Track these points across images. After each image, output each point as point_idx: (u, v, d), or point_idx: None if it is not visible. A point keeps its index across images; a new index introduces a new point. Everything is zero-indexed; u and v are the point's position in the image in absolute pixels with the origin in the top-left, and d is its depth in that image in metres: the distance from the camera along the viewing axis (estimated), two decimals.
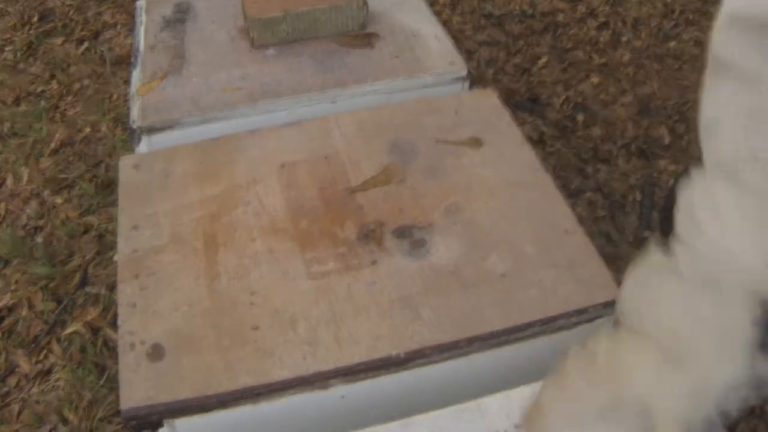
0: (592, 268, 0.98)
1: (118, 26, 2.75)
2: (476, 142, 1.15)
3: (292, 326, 0.91)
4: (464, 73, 1.35)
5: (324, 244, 1.01)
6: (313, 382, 0.87)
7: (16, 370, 1.68)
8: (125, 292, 0.96)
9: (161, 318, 0.93)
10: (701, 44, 2.56)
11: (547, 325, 0.92)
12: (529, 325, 0.92)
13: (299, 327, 0.91)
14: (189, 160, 1.15)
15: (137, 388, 0.86)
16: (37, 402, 1.61)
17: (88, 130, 2.31)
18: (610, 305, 0.94)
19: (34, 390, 1.64)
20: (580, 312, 0.93)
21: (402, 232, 1.02)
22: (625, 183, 2.07)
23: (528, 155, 1.16)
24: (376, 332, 0.90)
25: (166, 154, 1.17)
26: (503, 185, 1.09)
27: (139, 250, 1.01)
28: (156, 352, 0.89)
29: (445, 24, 2.61)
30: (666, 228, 1.98)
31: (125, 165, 1.15)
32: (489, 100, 1.26)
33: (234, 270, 0.99)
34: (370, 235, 1.02)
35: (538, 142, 2.20)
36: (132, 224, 1.05)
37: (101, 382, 1.62)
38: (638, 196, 2.04)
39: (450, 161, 1.13)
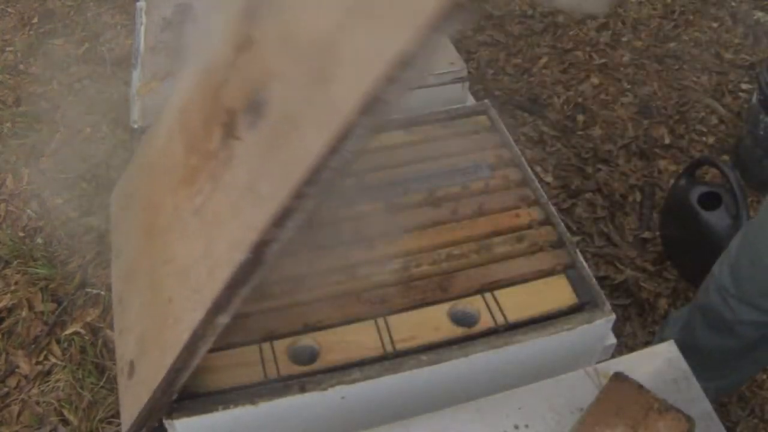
0: None
1: (118, 27, 2.75)
2: None
3: (187, 279, 0.87)
4: (464, 73, 1.35)
5: (202, 170, 0.92)
6: (205, 329, 0.82)
7: (16, 370, 1.68)
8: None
9: (131, 332, 0.93)
10: (701, 44, 2.56)
11: None
12: None
13: (191, 277, 0.86)
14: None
15: (125, 408, 0.86)
16: (37, 403, 1.61)
17: (88, 130, 2.31)
18: None
19: (34, 391, 1.64)
20: None
21: (251, 107, 0.87)
22: (625, 183, 2.07)
23: None
24: (233, 238, 0.81)
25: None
26: None
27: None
28: (131, 369, 0.89)
29: None
30: (666, 228, 1.98)
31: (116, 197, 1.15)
32: None
33: (159, 250, 0.95)
34: (228, 131, 0.89)
35: (538, 142, 2.20)
36: None
37: (101, 383, 1.62)
38: (638, 196, 2.04)
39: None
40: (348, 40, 0.77)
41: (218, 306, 0.80)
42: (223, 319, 0.81)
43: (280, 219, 0.77)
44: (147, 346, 0.88)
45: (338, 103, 0.74)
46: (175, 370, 0.82)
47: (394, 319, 0.97)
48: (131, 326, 0.92)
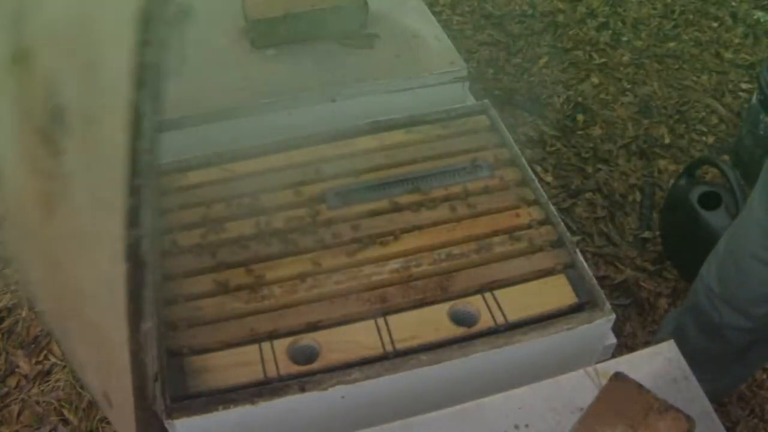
0: None
1: None
2: None
3: (99, 302, 0.84)
4: (464, 73, 1.35)
5: (52, 193, 0.84)
6: (136, 341, 0.80)
7: (16, 370, 1.68)
8: None
9: (88, 365, 0.92)
10: (701, 44, 2.56)
11: None
12: None
13: (100, 298, 0.83)
14: None
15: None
16: (37, 402, 1.61)
17: None
18: None
19: (34, 390, 1.64)
20: None
21: (55, 117, 0.78)
22: (625, 183, 2.07)
23: None
24: (109, 252, 0.78)
25: None
26: None
27: None
28: (107, 400, 0.89)
29: (445, 24, 2.61)
30: (666, 228, 1.98)
31: None
32: None
33: (67, 280, 0.91)
34: (50, 147, 0.80)
35: (538, 141, 2.20)
36: None
37: None
38: (638, 196, 2.04)
39: None
40: (93, 13, 0.69)
41: (134, 316, 0.79)
42: (146, 325, 0.80)
43: (131, 219, 0.74)
44: (107, 375, 0.87)
45: (114, 85, 0.68)
46: (138, 389, 0.82)
47: (394, 319, 0.97)
48: (84, 359, 0.91)
